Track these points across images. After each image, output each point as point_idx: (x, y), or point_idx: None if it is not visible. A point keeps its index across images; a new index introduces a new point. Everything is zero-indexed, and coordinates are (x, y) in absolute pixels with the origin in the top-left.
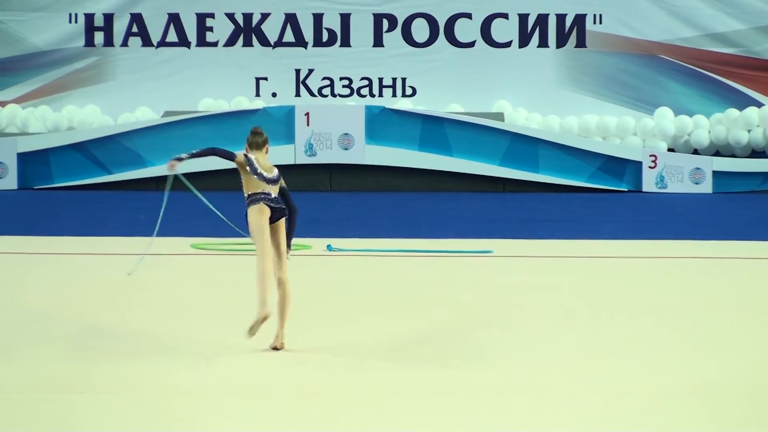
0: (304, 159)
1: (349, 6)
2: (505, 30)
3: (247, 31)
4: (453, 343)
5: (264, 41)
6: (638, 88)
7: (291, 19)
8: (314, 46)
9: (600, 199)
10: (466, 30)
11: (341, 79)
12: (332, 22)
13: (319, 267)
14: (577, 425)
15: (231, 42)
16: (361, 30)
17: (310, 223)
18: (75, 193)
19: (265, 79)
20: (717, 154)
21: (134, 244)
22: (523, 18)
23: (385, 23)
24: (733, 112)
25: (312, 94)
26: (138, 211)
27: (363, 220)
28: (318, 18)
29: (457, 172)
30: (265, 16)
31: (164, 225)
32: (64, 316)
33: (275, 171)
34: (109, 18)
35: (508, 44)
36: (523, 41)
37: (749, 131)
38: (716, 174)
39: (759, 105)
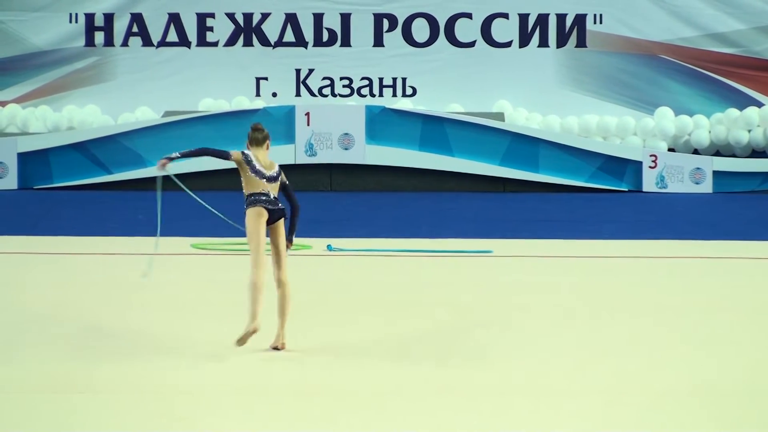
0: (304, 159)
1: (349, 6)
2: (505, 30)
3: (248, 30)
4: (453, 343)
5: (264, 41)
6: (638, 88)
7: (291, 19)
8: (314, 45)
9: (600, 199)
10: (466, 30)
11: (341, 78)
12: (332, 22)
13: (319, 267)
14: (577, 425)
15: (231, 42)
16: (362, 30)
17: (310, 223)
18: (75, 193)
19: (266, 79)
20: (717, 154)
21: (134, 244)
22: (523, 18)
23: (386, 23)
24: (733, 112)
25: (312, 93)
26: (138, 211)
27: (363, 220)
28: (318, 18)
29: (457, 172)
30: (265, 16)
31: (164, 225)
32: (64, 316)
33: (275, 168)
34: (109, 18)
35: (508, 44)
36: (524, 41)
37: (749, 131)
38: (716, 174)
39: (759, 105)
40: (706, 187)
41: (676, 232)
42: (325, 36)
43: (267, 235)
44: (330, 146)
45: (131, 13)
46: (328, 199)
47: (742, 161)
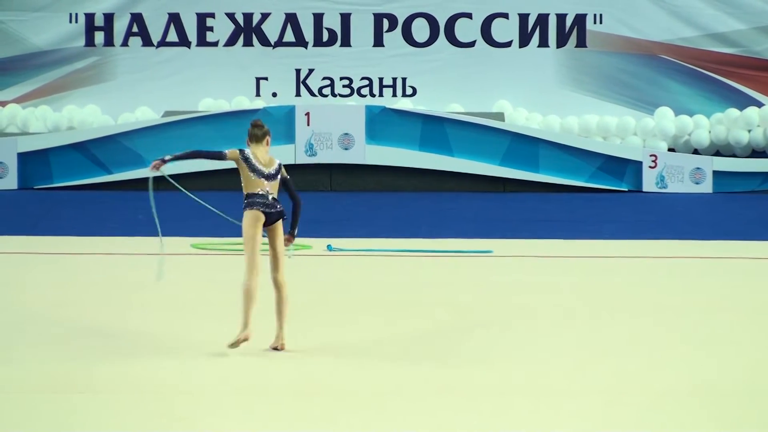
0: (304, 159)
1: (349, 6)
2: (505, 30)
3: (248, 30)
4: (453, 343)
5: (264, 41)
6: (638, 88)
7: (291, 19)
8: (314, 45)
9: (600, 199)
10: (466, 30)
11: (341, 78)
12: (332, 22)
13: (319, 267)
14: (577, 425)
15: (231, 42)
16: (362, 30)
17: (310, 223)
18: (75, 193)
19: (266, 78)
20: (717, 154)
21: (134, 244)
22: (523, 18)
23: (386, 23)
24: (733, 112)
25: (312, 93)
26: (138, 211)
27: (363, 220)
28: (318, 18)
29: (457, 172)
30: (265, 16)
31: (164, 225)
32: (64, 316)
33: (275, 164)
34: (109, 18)
35: (508, 44)
36: (524, 41)
37: (749, 131)
38: (716, 174)
39: (759, 105)
40: (706, 187)
41: (676, 232)
42: (325, 36)
43: (265, 236)
44: (330, 146)
45: (131, 13)
46: (328, 199)
47: (742, 161)
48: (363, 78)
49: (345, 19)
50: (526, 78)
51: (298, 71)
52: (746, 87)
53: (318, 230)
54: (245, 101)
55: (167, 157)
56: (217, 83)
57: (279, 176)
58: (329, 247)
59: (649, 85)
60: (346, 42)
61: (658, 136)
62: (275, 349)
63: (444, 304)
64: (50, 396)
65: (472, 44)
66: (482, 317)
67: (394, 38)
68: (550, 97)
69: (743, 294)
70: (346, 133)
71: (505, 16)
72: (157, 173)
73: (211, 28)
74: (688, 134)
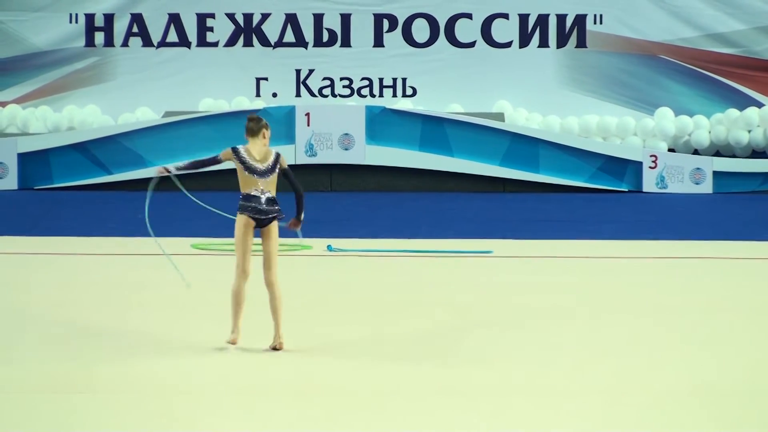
0: (304, 159)
1: (349, 6)
2: (505, 30)
3: (248, 31)
4: (453, 343)
5: (264, 41)
6: (638, 89)
7: (291, 20)
8: (315, 46)
9: (600, 200)
10: (466, 30)
11: (342, 79)
12: (333, 23)
13: (319, 267)
14: (577, 425)
15: (231, 42)
16: (362, 30)
17: (310, 223)
18: (75, 193)
19: (266, 79)
20: (717, 154)
21: (134, 244)
22: (523, 18)
23: (386, 23)
24: (733, 112)
25: (312, 94)
26: (138, 211)
27: (363, 221)
28: (318, 18)
29: (457, 173)
30: (265, 17)
31: (165, 226)
32: (64, 316)
33: (271, 158)
34: (109, 18)
35: (508, 44)
36: (524, 41)
37: (749, 131)
38: (716, 174)
39: (759, 105)
40: (706, 187)
41: (676, 232)
42: (326, 36)
43: (258, 236)
44: (330, 146)
45: (131, 14)
46: (328, 199)
47: (742, 161)
48: (363, 78)
49: (345, 19)
50: (526, 78)
51: (298, 71)
52: (746, 87)
53: (318, 230)
54: (245, 101)
55: (171, 168)
56: (217, 83)
57: (276, 169)
58: (329, 248)
59: (649, 86)
60: (346, 42)
61: (658, 136)
62: (274, 348)
63: (444, 304)
64: (50, 396)
65: (472, 44)
66: (482, 317)
67: (394, 38)
68: (550, 98)
69: (743, 294)
70: (346, 134)
71: (505, 16)
72: (165, 174)
73: (211, 29)
74: (688, 134)
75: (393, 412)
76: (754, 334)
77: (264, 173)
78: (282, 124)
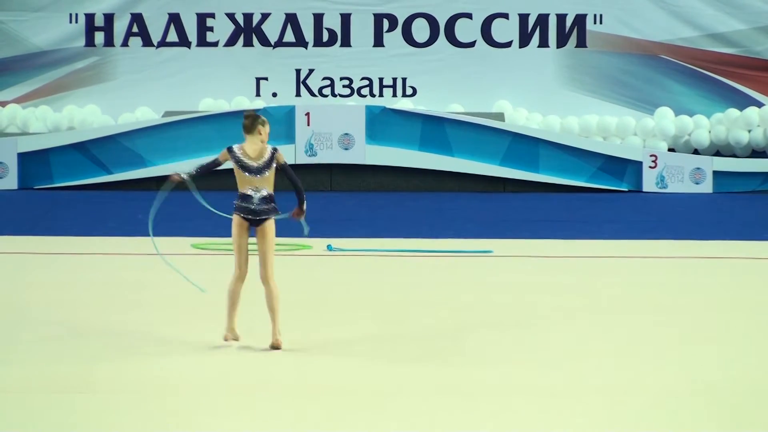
0: (304, 159)
1: (349, 6)
2: (505, 30)
3: (248, 31)
4: (453, 342)
5: (264, 41)
6: (638, 88)
7: (291, 19)
8: (315, 46)
9: (600, 199)
10: (466, 30)
11: (342, 79)
12: (332, 22)
13: (319, 267)
14: (577, 425)
15: (231, 42)
16: (362, 30)
17: (310, 223)
18: (75, 193)
19: (266, 79)
20: (717, 154)
21: (134, 244)
22: (523, 18)
23: (386, 23)
24: (733, 112)
25: (312, 94)
26: (138, 211)
27: (363, 220)
28: (318, 18)
29: (457, 172)
30: (265, 16)
31: (165, 225)
32: (64, 316)
33: (266, 154)
34: (109, 18)
35: (508, 44)
36: (524, 41)
37: (749, 131)
38: (716, 174)
39: (759, 105)
40: (706, 187)
41: (676, 232)
42: (325, 36)
43: (253, 235)
44: (330, 146)
45: (131, 14)
46: (328, 199)
47: (742, 161)
48: (363, 78)
49: (345, 19)
50: (526, 78)
51: (298, 71)
52: (746, 87)
53: (318, 230)
54: (245, 101)
55: (185, 176)
56: (217, 83)
57: (272, 166)
58: (329, 247)
59: (649, 85)
60: (346, 42)
61: (658, 136)
62: (274, 347)
63: (444, 304)
64: (50, 396)
65: (472, 44)
66: (482, 317)
67: (394, 38)
68: (550, 97)
69: (743, 294)
70: (346, 133)
71: (505, 16)
72: (179, 180)
73: (211, 29)
74: (688, 134)
75: (393, 412)
76: (754, 333)
77: (258, 171)
78: (282, 123)
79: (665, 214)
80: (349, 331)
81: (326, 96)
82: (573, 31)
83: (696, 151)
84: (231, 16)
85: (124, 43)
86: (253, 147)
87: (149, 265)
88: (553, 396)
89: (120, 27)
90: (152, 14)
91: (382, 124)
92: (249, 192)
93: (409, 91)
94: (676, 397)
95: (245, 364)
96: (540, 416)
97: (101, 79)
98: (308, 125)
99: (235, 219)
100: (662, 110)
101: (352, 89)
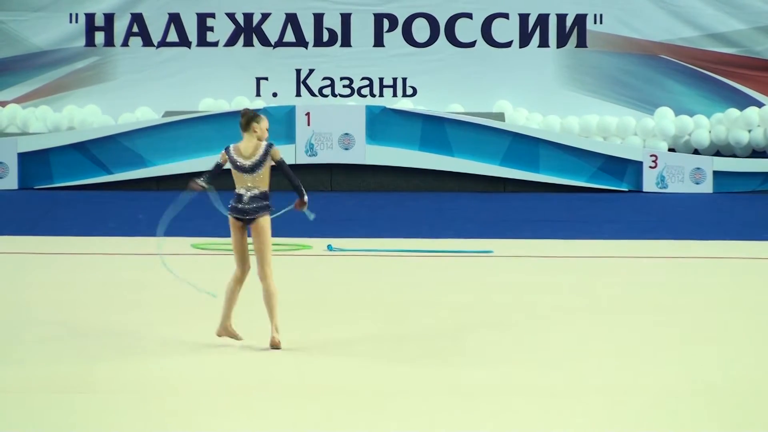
0: (304, 159)
1: (349, 6)
2: (505, 30)
3: (248, 31)
4: (453, 343)
5: (264, 41)
6: (639, 88)
7: (291, 19)
8: (315, 46)
9: (600, 199)
10: (466, 30)
11: (342, 79)
12: (333, 22)
13: (319, 267)
14: (577, 425)
15: (231, 42)
16: (362, 30)
17: (310, 223)
18: (75, 193)
19: (266, 79)
20: (717, 154)
21: (134, 244)
22: (523, 18)
23: (386, 23)
24: (733, 112)
25: (313, 94)
26: (138, 211)
27: (363, 220)
28: (318, 18)
29: (457, 172)
30: (265, 16)
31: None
32: (64, 316)
33: (259, 152)
34: (109, 18)
35: (508, 44)
36: (524, 41)
37: (750, 131)
38: (717, 174)
39: (759, 105)
40: (706, 187)
41: (676, 232)
42: (326, 36)
43: (251, 234)
44: (330, 146)
45: (131, 13)
46: (329, 199)
47: (742, 161)
48: (363, 78)
49: (345, 19)
50: (527, 78)
51: (298, 71)
52: (746, 87)
53: (318, 230)
54: (245, 101)
55: (204, 183)
56: (218, 83)
57: (266, 163)
58: (329, 247)
59: (649, 85)
60: (346, 42)
61: (658, 136)
62: (273, 346)
63: (444, 304)
64: (50, 396)
65: (472, 44)
66: (483, 317)
67: (394, 38)
68: (550, 97)
69: (743, 294)
70: (347, 133)
71: (506, 16)
72: (199, 189)
73: (211, 28)
74: (688, 134)
75: (393, 412)
76: (754, 333)
77: (251, 169)
78: (282, 123)
79: (665, 214)
80: (349, 331)
81: (326, 96)
82: (573, 31)
83: (696, 151)
84: (231, 16)
85: (124, 43)
86: (247, 145)
87: (149, 266)
88: (553, 396)
89: (120, 27)
90: (152, 14)
91: (383, 124)
92: (241, 191)
93: (409, 91)
94: (676, 397)
95: (245, 364)
96: (540, 416)
97: (101, 79)
98: (308, 125)
99: (230, 220)
100: (662, 110)
101: (353, 89)
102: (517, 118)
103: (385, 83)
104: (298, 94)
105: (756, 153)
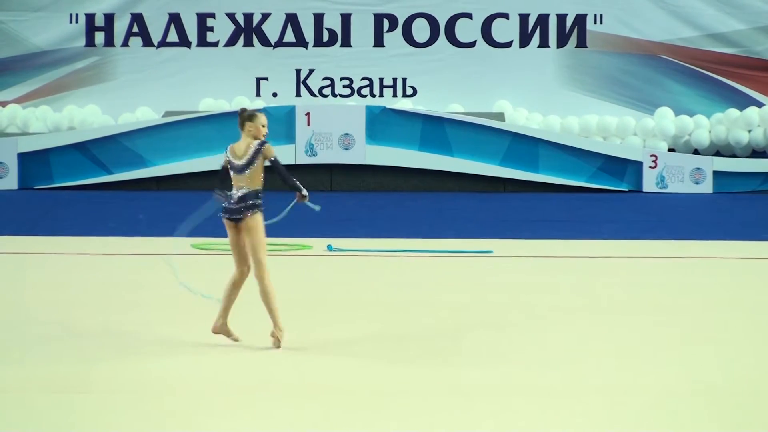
0: (304, 159)
1: (349, 6)
2: (505, 30)
3: (248, 31)
4: (453, 343)
5: (265, 41)
6: (638, 88)
7: (291, 19)
8: (315, 46)
9: (600, 199)
10: (466, 30)
11: (342, 79)
12: (333, 22)
13: (319, 267)
14: (577, 425)
15: (232, 42)
16: (362, 30)
17: (310, 223)
18: (75, 193)
19: (266, 79)
20: (717, 154)
21: (134, 244)
22: (523, 18)
23: (386, 23)
24: (733, 112)
25: (312, 94)
26: (138, 211)
27: (363, 220)
28: (318, 18)
29: (457, 172)
30: (265, 16)
31: (164, 225)
32: (63, 316)
33: (251, 150)
34: (109, 18)
35: (508, 44)
36: (524, 41)
37: (750, 131)
38: (717, 174)
39: (759, 105)
40: (706, 187)
41: (676, 232)
42: (326, 36)
43: None
44: (330, 146)
45: (131, 14)
46: (328, 200)
47: (742, 161)
48: (363, 78)
49: (345, 19)
50: (527, 78)
51: (298, 71)
52: (746, 87)
53: (318, 230)
54: (245, 101)
55: (219, 193)
56: (218, 83)
57: (257, 162)
58: (329, 247)
59: (649, 85)
60: (346, 42)
61: (658, 136)
62: (275, 344)
63: (444, 303)
64: (49, 396)
65: (472, 44)
66: (482, 317)
67: (394, 38)
68: (550, 97)
69: (743, 294)
70: (347, 133)
71: (506, 16)
72: (223, 198)
73: (211, 29)
74: (688, 134)
75: (393, 412)
76: (754, 333)
77: (242, 169)
78: (282, 123)
79: (665, 214)
80: (348, 331)
81: (326, 96)
82: (573, 31)
83: (696, 151)
84: (231, 16)
85: (125, 43)
86: (241, 144)
87: (148, 266)
88: (552, 396)
89: (120, 27)
90: (152, 14)
91: (382, 124)
92: (233, 191)
93: (409, 91)
94: (676, 397)
95: (244, 364)
96: (540, 416)
97: (101, 79)
98: (308, 125)
99: (223, 220)
100: (662, 110)
101: (353, 89)
102: (516, 118)
103: (385, 83)
104: (298, 94)
105: (756, 153)
